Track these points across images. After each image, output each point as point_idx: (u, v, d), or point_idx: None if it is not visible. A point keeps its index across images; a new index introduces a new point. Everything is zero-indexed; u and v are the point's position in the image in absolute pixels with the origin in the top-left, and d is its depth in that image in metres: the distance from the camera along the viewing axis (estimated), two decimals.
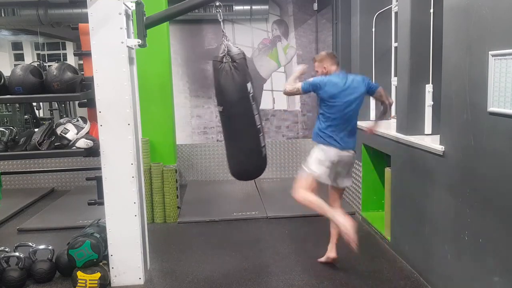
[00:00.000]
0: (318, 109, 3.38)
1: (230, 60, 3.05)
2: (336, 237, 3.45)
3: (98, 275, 3.17)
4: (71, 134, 3.16)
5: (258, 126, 3.23)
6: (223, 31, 3.15)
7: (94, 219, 3.65)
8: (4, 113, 7.47)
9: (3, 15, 5.77)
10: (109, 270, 3.24)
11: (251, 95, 3.14)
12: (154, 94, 4.70)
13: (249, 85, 3.12)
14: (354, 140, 3.34)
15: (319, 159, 3.23)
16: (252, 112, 3.17)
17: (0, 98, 3.19)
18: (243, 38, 6.38)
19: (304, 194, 3.19)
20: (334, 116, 3.21)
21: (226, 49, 3.06)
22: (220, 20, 3.28)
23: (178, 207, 4.88)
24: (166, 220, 4.74)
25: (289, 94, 3.43)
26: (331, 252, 3.49)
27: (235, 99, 3.12)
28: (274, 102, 6.53)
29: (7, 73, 3.19)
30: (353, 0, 4.90)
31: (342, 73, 3.31)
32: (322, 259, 3.53)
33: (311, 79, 3.29)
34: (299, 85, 3.31)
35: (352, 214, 4.80)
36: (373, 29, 4.62)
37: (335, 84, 3.20)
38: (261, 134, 3.25)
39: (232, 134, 3.24)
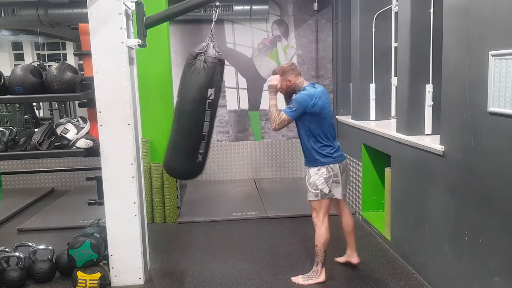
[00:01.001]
0: (305, 136, 3.16)
1: (203, 59, 3.00)
2: (353, 241, 3.48)
3: (98, 275, 3.17)
4: (71, 134, 3.16)
5: (204, 133, 3.12)
6: (211, 31, 3.13)
7: (94, 219, 3.66)
8: (4, 113, 7.48)
9: (3, 15, 5.77)
10: (109, 270, 3.24)
11: (208, 101, 3.06)
12: (154, 94, 4.70)
13: (211, 90, 3.04)
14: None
15: (326, 178, 3.13)
16: (203, 117, 3.08)
17: (0, 98, 3.19)
18: (243, 38, 6.38)
19: (326, 227, 3.18)
20: (327, 129, 3.13)
21: (205, 48, 3.02)
22: (214, 20, 3.24)
23: (178, 207, 4.88)
24: (166, 220, 4.74)
25: (279, 129, 3.16)
26: (353, 257, 3.50)
27: (191, 98, 3.07)
28: None
29: (7, 73, 3.19)
30: (353, 0, 4.89)
31: (311, 83, 3.20)
32: (341, 259, 3.56)
33: (293, 104, 3.07)
34: (284, 116, 3.08)
35: (352, 214, 4.80)
36: (373, 29, 4.62)
37: (318, 94, 3.10)
38: (204, 141, 3.14)
39: (177, 129, 3.20)
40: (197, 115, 3.08)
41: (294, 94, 3.19)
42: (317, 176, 3.13)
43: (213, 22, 3.17)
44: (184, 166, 3.24)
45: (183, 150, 3.18)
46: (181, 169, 3.28)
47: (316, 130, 3.11)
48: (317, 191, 3.13)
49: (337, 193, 3.17)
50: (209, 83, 3.04)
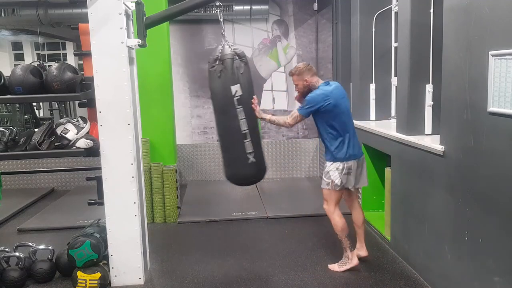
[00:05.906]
0: (322, 132, 3.28)
1: (221, 62, 3.11)
2: (362, 234, 3.60)
3: (98, 275, 3.17)
4: (71, 134, 3.16)
5: (244, 131, 3.17)
6: (222, 32, 3.16)
7: (94, 219, 3.66)
8: (4, 113, 7.48)
9: (3, 15, 5.77)
10: (109, 270, 3.24)
11: (236, 98, 3.10)
12: (154, 94, 4.71)
13: (234, 87, 3.08)
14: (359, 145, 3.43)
15: (340, 170, 3.25)
16: (236, 115, 3.12)
17: (0, 98, 3.19)
18: (243, 38, 6.38)
19: (338, 215, 3.33)
20: (343, 126, 3.23)
21: (220, 51, 3.13)
22: (220, 20, 3.28)
23: (178, 207, 4.88)
24: (166, 220, 4.74)
25: (294, 124, 3.29)
26: (361, 251, 3.59)
27: (220, 101, 3.16)
28: (274, 102, 6.53)
29: (7, 73, 3.19)
30: (353, 0, 4.89)
31: (325, 82, 3.32)
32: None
33: (305, 103, 3.20)
34: (296, 113, 3.23)
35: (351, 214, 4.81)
36: (373, 29, 4.62)
37: (332, 92, 3.20)
38: (247, 140, 3.19)
39: (220, 139, 3.32)
40: (231, 117, 3.14)
41: (310, 93, 3.30)
42: (333, 167, 3.25)
43: (221, 22, 3.26)
44: (241, 173, 3.33)
45: (232, 156, 3.28)
46: (240, 175, 3.37)
47: (332, 127, 3.22)
48: (329, 181, 3.26)
49: (349, 183, 3.30)
50: (231, 81, 3.09)
